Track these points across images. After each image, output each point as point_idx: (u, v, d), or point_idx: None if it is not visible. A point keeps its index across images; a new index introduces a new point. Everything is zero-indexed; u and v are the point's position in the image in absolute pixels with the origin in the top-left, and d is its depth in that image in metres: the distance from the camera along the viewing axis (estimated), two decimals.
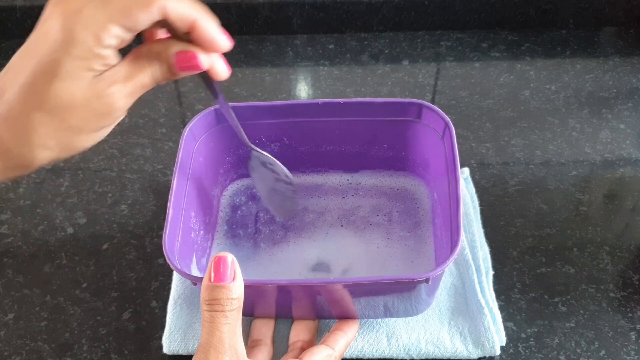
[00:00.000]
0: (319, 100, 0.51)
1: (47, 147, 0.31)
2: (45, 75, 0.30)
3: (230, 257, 0.37)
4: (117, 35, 0.30)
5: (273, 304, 0.46)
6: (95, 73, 0.31)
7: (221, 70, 0.36)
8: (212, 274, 0.36)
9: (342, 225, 0.55)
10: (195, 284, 0.41)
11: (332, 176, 0.58)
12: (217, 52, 0.34)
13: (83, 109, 0.31)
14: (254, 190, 0.58)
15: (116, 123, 0.34)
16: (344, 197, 0.57)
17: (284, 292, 0.43)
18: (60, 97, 0.30)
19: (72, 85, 0.30)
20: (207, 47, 0.33)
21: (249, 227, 0.55)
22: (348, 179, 0.58)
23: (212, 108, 0.52)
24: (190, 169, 0.50)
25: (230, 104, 0.51)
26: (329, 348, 0.44)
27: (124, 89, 0.32)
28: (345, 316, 0.47)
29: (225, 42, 0.34)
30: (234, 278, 0.36)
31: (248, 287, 0.38)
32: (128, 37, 0.31)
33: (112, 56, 0.31)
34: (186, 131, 0.50)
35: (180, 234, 0.46)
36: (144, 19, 0.30)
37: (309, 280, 0.42)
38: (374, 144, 0.55)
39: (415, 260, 0.51)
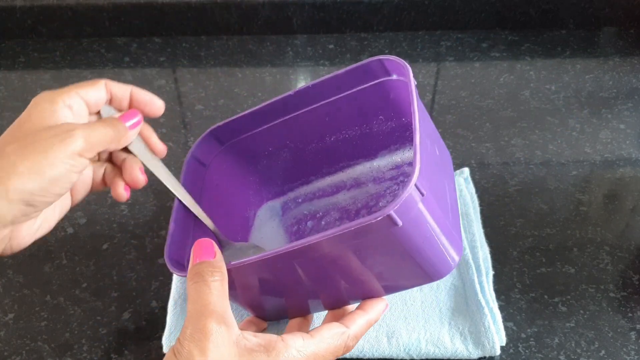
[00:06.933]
0: (292, 91, 0.49)
1: (18, 173, 0.35)
2: (20, 121, 0.38)
3: (209, 241, 0.39)
4: (74, 98, 0.39)
5: (267, 289, 0.43)
6: (61, 116, 0.38)
7: (158, 144, 0.44)
8: (193, 256, 0.38)
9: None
10: None
11: (351, 170, 0.55)
12: (156, 107, 0.43)
13: (45, 132, 0.36)
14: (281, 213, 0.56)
15: (72, 177, 0.37)
16: (368, 185, 0.54)
17: (276, 268, 0.40)
18: (28, 127, 0.37)
19: (40, 117, 0.37)
20: (147, 104, 0.43)
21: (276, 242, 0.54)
22: (369, 167, 0.55)
23: (210, 129, 0.51)
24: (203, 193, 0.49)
25: (229, 119, 0.51)
26: (341, 326, 0.40)
27: (84, 129, 0.37)
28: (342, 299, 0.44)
29: (159, 100, 0.43)
30: (214, 256, 0.38)
31: (236, 269, 0.38)
32: (83, 108, 0.40)
33: (71, 117, 0.39)
34: (188, 157, 0.50)
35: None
36: (93, 90, 0.40)
37: (291, 244, 0.38)
38: (370, 119, 0.52)
39: None
